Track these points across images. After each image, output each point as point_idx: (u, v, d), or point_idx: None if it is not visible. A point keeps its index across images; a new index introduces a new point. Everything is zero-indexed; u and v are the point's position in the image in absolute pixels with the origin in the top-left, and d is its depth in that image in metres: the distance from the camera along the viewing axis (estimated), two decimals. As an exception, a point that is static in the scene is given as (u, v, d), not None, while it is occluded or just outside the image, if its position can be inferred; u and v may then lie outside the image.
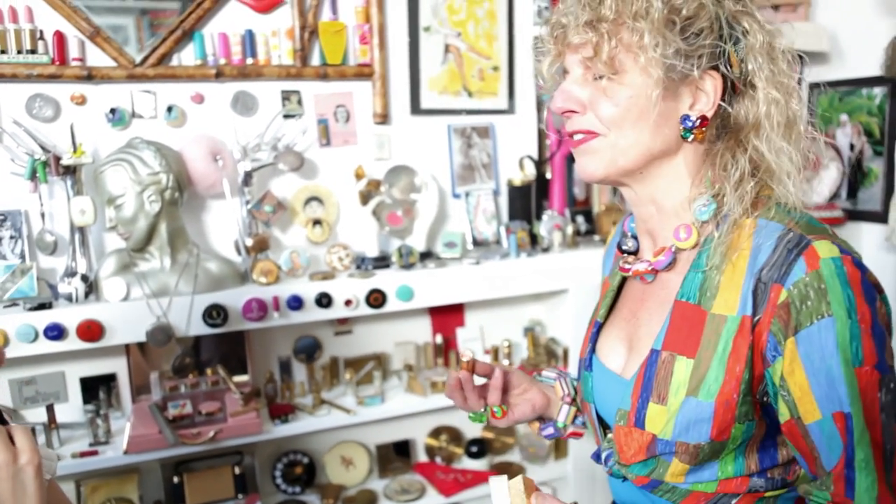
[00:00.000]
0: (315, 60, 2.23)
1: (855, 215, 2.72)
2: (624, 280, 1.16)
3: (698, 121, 0.97)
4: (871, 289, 0.90)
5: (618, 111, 0.96)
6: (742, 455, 0.97)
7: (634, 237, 1.13)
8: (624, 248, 1.11)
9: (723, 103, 0.98)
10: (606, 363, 1.10)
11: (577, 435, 1.26)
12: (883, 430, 0.88)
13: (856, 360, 0.87)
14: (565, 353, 2.43)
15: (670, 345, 0.99)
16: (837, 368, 0.87)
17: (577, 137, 1.01)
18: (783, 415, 0.92)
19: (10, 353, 1.78)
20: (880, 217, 2.61)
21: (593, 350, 1.15)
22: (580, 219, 2.59)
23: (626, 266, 1.09)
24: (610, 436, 1.09)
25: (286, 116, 2.22)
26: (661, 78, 0.94)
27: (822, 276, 0.88)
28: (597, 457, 1.13)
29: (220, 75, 2.11)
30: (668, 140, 0.99)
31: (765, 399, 0.94)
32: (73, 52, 1.97)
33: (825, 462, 0.90)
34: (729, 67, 0.97)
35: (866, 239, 2.74)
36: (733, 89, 0.99)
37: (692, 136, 0.98)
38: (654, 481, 1.02)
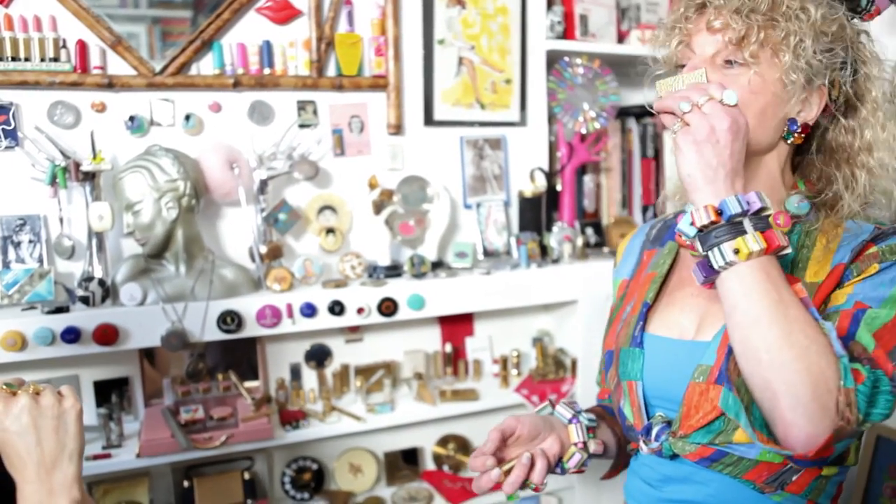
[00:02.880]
0: (331, 71, 2.24)
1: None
2: (670, 269, 1.21)
3: (801, 127, 1.06)
4: None
5: (746, 98, 1.01)
6: None
7: None
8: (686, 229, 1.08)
9: (822, 120, 1.07)
10: (669, 334, 1.13)
11: (578, 472, 1.25)
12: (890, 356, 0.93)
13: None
14: (573, 363, 2.43)
15: None
16: (888, 289, 0.96)
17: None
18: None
19: (27, 355, 1.79)
20: None
21: (643, 329, 1.16)
22: (590, 231, 2.61)
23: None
24: (659, 414, 1.11)
25: (302, 126, 2.23)
26: (793, 79, 1.01)
27: None
28: (645, 432, 1.12)
29: (237, 85, 2.12)
30: (771, 138, 1.07)
31: None
32: (94, 60, 1.99)
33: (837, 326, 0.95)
34: (840, 87, 1.06)
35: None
36: (837, 108, 1.08)
37: (792, 139, 1.07)
38: (717, 452, 1.03)
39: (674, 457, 1.08)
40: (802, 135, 1.06)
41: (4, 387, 0.96)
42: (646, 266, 1.26)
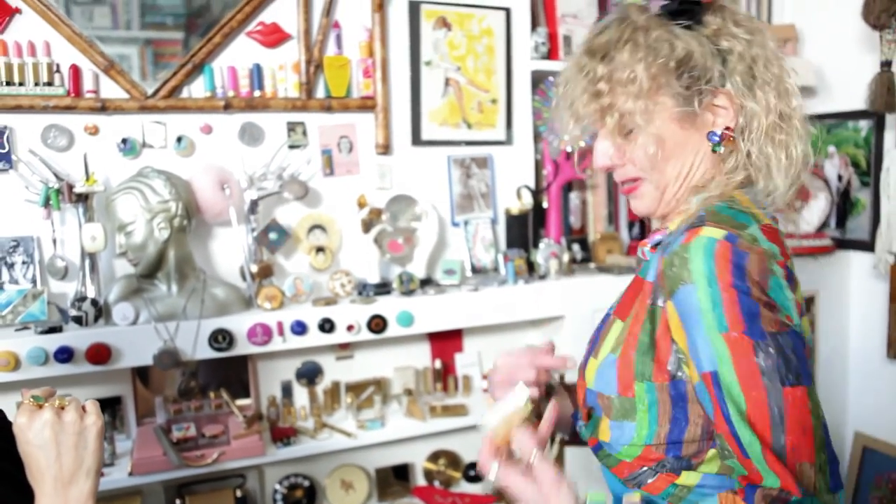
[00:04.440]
0: (320, 93, 2.27)
1: (843, 244, 2.78)
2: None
3: (722, 133, 1.05)
4: (741, 269, 0.93)
5: (648, 158, 1.05)
6: (655, 423, 1.01)
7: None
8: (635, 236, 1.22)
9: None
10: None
11: None
12: (768, 395, 0.90)
13: (720, 325, 0.92)
14: (562, 377, 2.45)
15: (616, 310, 1.11)
16: (702, 332, 0.93)
17: (626, 186, 1.11)
18: (693, 377, 0.98)
19: (20, 375, 1.80)
20: (868, 246, 2.66)
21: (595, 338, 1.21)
22: (576, 247, 2.63)
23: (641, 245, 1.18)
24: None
25: (291, 147, 2.26)
26: (674, 121, 1.03)
27: (688, 248, 0.95)
28: (575, 416, 1.22)
29: (228, 107, 2.16)
30: (699, 159, 1.07)
31: (678, 374, 0.99)
32: (87, 84, 2.02)
33: (714, 421, 0.95)
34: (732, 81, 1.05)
35: (855, 267, 2.79)
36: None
37: (723, 147, 1.06)
38: (597, 444, 1.10)
39: (585, 443, 1.16)
40: (730, 138, 1.05)
41: (31, 399, 0.97)
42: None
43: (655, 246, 1.12)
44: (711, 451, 1.01)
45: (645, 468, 1.04)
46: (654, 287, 1.01)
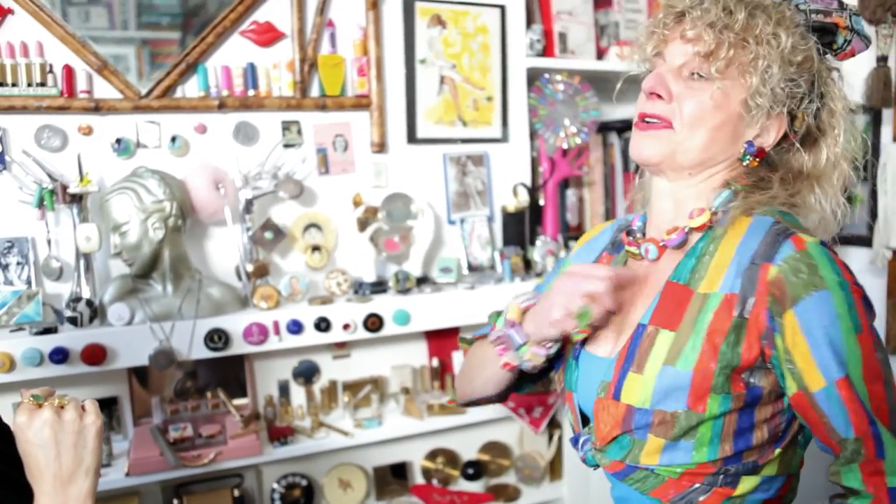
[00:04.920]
0: (314, 92, 2.28)
1: (841, 240, 2.76)
2: None
3: (757, 150, 1.06)
4: (850, 269, 0.98)
5: (701, 112, 1.04)
6: (718, 439, 0.99)
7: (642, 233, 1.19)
8: (635, 235, 1.17)
9: (778, 146, 1.08)
10: (596, 352, 1.14)
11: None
12: (885, 385, 0.95)
13: (857, 327, 0.94)
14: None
15: (656, 320, 1.05)
16: (839, 337, 0.94)
17: (649, 121, 1.08)
18: (790, 388, 0.97)
19: (15, 376, 1.81)
20: (865, 241, 2.66)
21: (583, 344, 1.18)
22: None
23: (632, 242, 1.15)
24: (590, 425, 1.13)
25: (286, 146, 2.26)
26: (757, 102, 1.02)
27: (810, 254, 0.96)
28: (574, 441, 1.17)
29: (222, 106, 2.16)
30: (727, 156, 1.07)
31: (751, 382, 0.99)
32: (80, 84, 2.02)
33: (838, 428, 0.95)
34: (801, 117, 1.07)
35: (853, 262, 2.78)
36: (793, 138, 1.08)
37: (748, 161, 1.07)
38: (627, 467, 1.05)
39: (596, 467, 1.12)
40: (758, 158, 1.07)
41: (31, 399, 0.98)
42: None
43: (678, 246, 1.09)
44: (777, 451, 1.02)
45: (697, 485, 1.02)
46: (741, 297, 0.98)
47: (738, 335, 0.98)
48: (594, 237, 1.31)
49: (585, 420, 1.15)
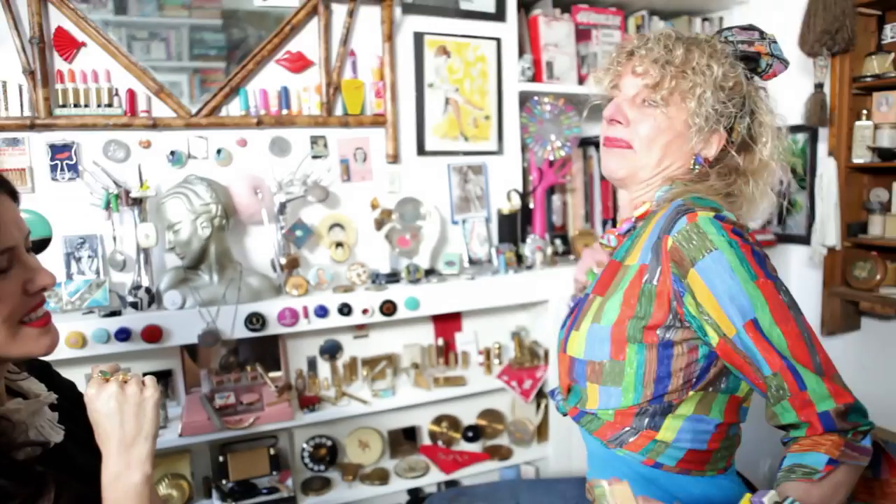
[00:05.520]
0: (338, 111, 2.29)
1: (784, 238, 2.81)
2: None
3: (703, 161, 1.11)
4: (742, 233, 0.99)
5: (653, 132, 1.08)
6: (641, 385, 1.03)
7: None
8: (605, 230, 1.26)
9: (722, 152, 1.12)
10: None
11: None
12: (798, 324, 0.95)
13: (752, 275, 0.96)
14: (546, 353, 2.49)
15: (595, 289, 1.11)
16: (738, 286, 0.95)
17: (612, 142, 1.13)
18: (713, 338, 0.99)
19: (87, 352, 1.84)
20: (804, 240, 2.70)
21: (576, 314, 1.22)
22: (558, 241, 2.65)
23: (602, 235, 1.22)
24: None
25: (314, 157, 2.28)
26: (697, 123, 1.06)
27: (698, 225, 0.99)
28: (552, 394, 1.21)
29: (260, 123, 2.18)
30: (679, 166, 1.12)
31: (665, 337, 1.01)
32: (141, 105, 2.05)
33: (761, 367, 0.95)
34: (736, 131, 1.11)
35: (793, 258, 2.82)
36: (731, 147, 1.12)
37: (697, 169, 1.11)
38: (581, 412, 1.10)
39: (564, 415, 1.16)
40: (705, 166, 1.12)
41: (100, 374, 0.98)
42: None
43: (626, 233, 1.15)
44: (691, 394, 1.03)
45: (626, 428, 1.05)
46: (651, 266, 1.02)
47: (648, 298, 1.02)
48: None
49: None
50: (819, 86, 2.45)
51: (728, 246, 0.97)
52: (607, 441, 1.07)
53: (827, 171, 2.46)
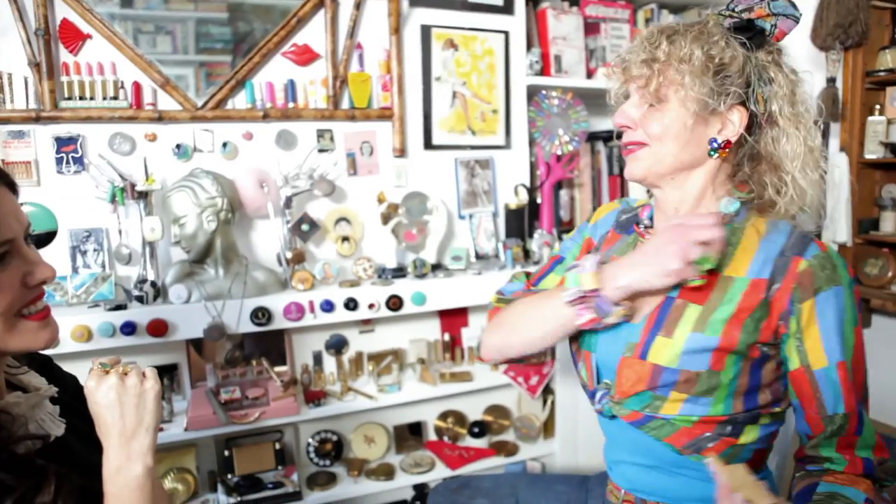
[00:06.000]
0: (345, 104, 2.28)
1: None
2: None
3: (723, 143, 1.06)
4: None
5: (660, 129, 1.06)
6: (732, 398, 1.02)
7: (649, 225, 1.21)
8: (644, 225, 1.20)
9: (746, 134, 1.06)
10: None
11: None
12: (865, 374, 1.02)
13: (855, 321, 1.00)
14: (552, 349, 2.46)
15: (684, 294, 1.05)
16: (843, 327, 0.99)
17: (629, 147, 1.11)
18: (793, 363, 1.02)
19: (92, 345, 1.83)
20: (816, 236, 2.66)
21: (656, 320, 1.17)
22: (565, 236, 2.62)
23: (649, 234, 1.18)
24: (605, 381, 1.13)
25: (320, 151, 2.27)
26: (694, 109, 1.03)
27: (831, 256, 1.00)
28: (591, 395, 1.16)
29: (266, 117, 2.17)
30: (696, 156, 1.07)
31: (764, 350, 1.02)
32: (147, 98, 2.04)
33: (827, 404, 1.00)
34: (756, 105, 1.05)
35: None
36: (759, 123, 1.07)
37: (717, 155, 1.07)
38: (645, 417, 1.06)
39: (613, 417, 1.12)
40: (726, 149, 1.06)
41: (100, 366, 0.97)
42: (608, 245, 1.25)
43: None
44: (775, 410, 1.06)
45: (707, 434, 1.03)
46: (770, 281, 1.00)
47: (763, 313, 1.01)
48: (606, 215, 1.32)
49: (598, 375, 1.15)
50: (831, 80, 2.41)
51: (849, 286, 1.00)
52: (681, 447, 1.05)
53: (838, 167, 2.42)
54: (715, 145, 1.06)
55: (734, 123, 1.06)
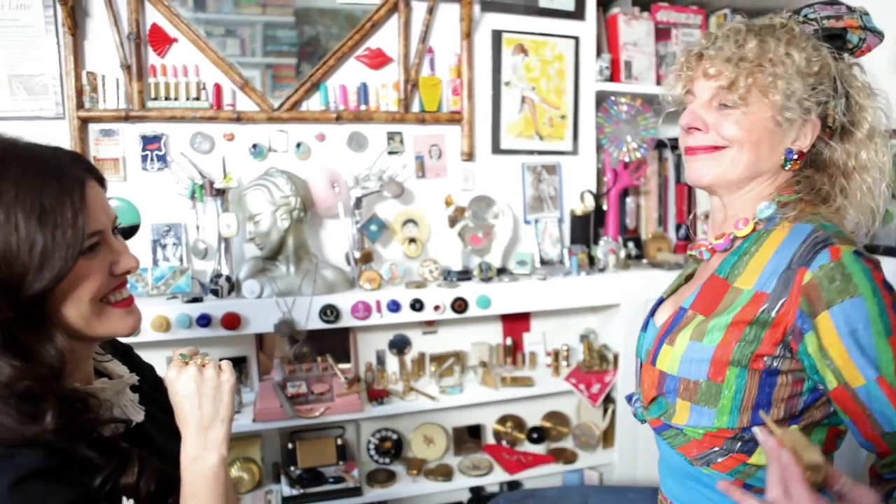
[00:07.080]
0: (415, 108, 2.28)
1: (872, 250, 2.65)
2: (693, 271, 1.20)
3: (797, 154, 1.02)
4: (884, 278, 0.93)
5: (740, 133, 1.00)
6: (738, 410, 0.97)
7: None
8: (682, 236, 1.18)
9: (817, 144, 1.02)
10: (657, 323, 1.14)
11: None
12: None
13: (887, 331, 0.89)
14: (615, 357, 2.41)
15: (695, 306, 1.04)
16: (870, 339, 0.89)
17: (699, 151, 1.05)
18: (831, 382, 0.93)
19: (170, 335, 1.87)
20: (894, 251, 2.54)
21: (652, 315, 1.18)
22: (631, 244, 2.57)
23: (691, 247, 1.15)
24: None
25: (390, 153, 2.28)
26: (780, 115, 0.98)
27: (844, 264, 0.91)
28: (629, 399, 1.16)
29: (339, 119, 2.19)
30: (770, 165, 1.03)
31: (771, 364, 0.95)
32: (226, 99, 2.08)
33: (882, 422, 0.91)
34: (834, 115, 1.01)
35: (885, 271, 2.66)
36: (829, 134, 1.03)
37: (790, 166, 1.03)
38: (664, 424, 1.05)
39: (644, 421, 1.10)
40: (799, 161, 1.02)
41: (180, 357, 1.00)
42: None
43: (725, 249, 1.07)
44: (793, 427, 0.98)
45: (716, 448, 1.00)
46: (773, 296, 0.95)
47: (762, 326, 0.95)
48: None
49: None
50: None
51: (871, 294, 0.90)
52: (692, 458, 1.02)
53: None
54: (791, 156, 1.01)
55: (807, 135, 1.01)
